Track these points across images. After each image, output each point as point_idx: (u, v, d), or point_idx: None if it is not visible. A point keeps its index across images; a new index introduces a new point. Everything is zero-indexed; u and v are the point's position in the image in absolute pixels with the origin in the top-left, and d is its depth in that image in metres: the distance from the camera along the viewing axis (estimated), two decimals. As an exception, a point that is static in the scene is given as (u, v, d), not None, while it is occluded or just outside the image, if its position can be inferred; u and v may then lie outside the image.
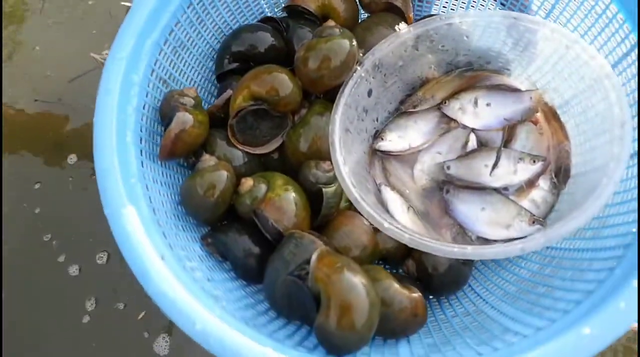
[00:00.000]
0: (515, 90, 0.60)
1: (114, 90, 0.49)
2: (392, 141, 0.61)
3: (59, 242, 0.76)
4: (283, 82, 0.55)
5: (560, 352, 0.37)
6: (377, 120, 0.62)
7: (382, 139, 0.61)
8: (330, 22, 0.56)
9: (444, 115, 0.62)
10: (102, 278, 0.73)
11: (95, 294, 0.72)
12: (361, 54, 0.57)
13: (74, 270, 0.73)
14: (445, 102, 0.62)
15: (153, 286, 0.42)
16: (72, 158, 0.79)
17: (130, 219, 0.44)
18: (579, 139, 0.56)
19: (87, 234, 0.76)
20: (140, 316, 0.72)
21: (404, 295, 0.48)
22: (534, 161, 0.55)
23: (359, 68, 0.56)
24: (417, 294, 0.49)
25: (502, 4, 0.65)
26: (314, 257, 0.44)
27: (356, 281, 0.43)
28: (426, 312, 0.50)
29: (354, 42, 0.55)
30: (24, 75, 0.88)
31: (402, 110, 0.63)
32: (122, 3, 0.85)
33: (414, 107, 0.62)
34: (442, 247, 0.46)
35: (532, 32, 0.55)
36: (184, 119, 0.52)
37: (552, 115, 0.58)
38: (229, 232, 0.52)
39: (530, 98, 0.58)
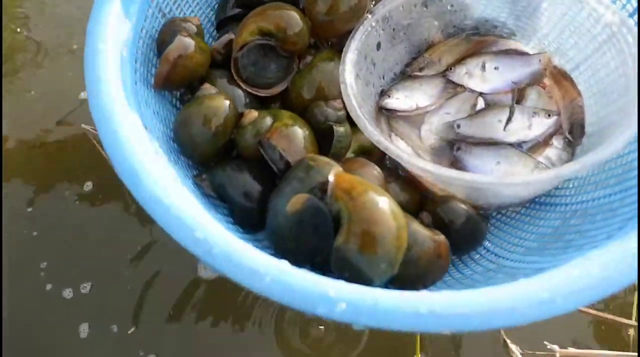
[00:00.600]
0: (523, 54, 0.59)
1: (113, -1, 0.45)
2: (399, 99, 0.58)
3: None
4: (293, 19, 0.51)
5: (621, 263, 0.33)
6: (383, 78, 0.59)
7: (389, 96, 0.58)
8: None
9: (450, 81, 0.60)
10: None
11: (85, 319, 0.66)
12: (372, 4, 0.55)
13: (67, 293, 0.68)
14: (450, 69, 0.60)
15: (144, 189, 0.35)
16: (88, 185, 0.75)
17: (121, 117, 0.38)
18: (590, 101, 0.55)
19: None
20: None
21: (427, 235, 0.43)
22: (549, 115, 0.54)
23: (370, 16, 0.54)
24: (440, 236, 0.44)
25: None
26: (332, 174, 0.39)
27: (381, 197, 0.38)
28: (449, 255, 0.45)
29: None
30: (16, 117, 0.84)
31: (408, 72, 0.61)
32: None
33: (420, 70, 0.60)
34: (470, 176, 0.42)
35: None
36: (186, 43, 0.47)
37: (561, 75, 0.57)
38: (227, 167, 0.47)
39: (539, 61, 0.57)
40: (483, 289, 0.33)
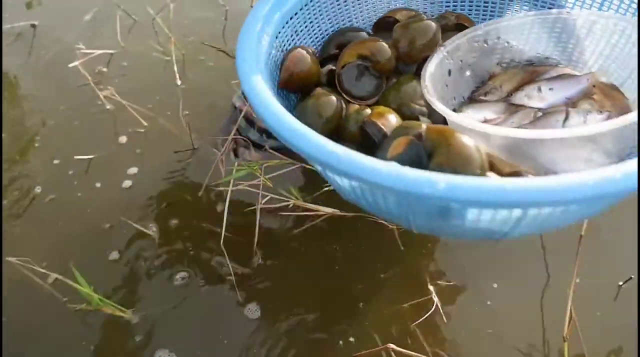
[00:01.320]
0: (573, 76, 0.71)
1: (257, 24, 0.62)
2: (469, 114, 0.70)
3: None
4: (383, 47, 0.67)
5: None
6: (455, 99, 0.72)
7: (460, 112, 0.70)
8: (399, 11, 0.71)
9: (511, 105, 0.72)
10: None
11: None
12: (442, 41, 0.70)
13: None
14: (511, 94, 0.72)
15: (315, 142, 0.47)
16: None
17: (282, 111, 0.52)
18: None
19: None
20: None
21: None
22: (601, 112, 0.63)
23: (442, 48, 0.69)
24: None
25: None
26: (424, 126, 0.50)
27: (465, 136, 0.48)
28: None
29: (439, 28, 0.69)
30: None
31: (475, 97, 0.73)
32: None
33: (485, 94, 0.73)
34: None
35: (587, 26, 0.69)
36: (302, 53, 0.64)
37: (610, 88, 0.67)
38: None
39: (588, 80, 0.68)
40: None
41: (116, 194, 0.90)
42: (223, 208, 0.80)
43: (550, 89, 0.70)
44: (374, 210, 0.55)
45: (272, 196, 0.81)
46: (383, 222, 0.80)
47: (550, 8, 0.77)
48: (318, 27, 0.77)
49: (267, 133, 0.89)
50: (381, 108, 0.60)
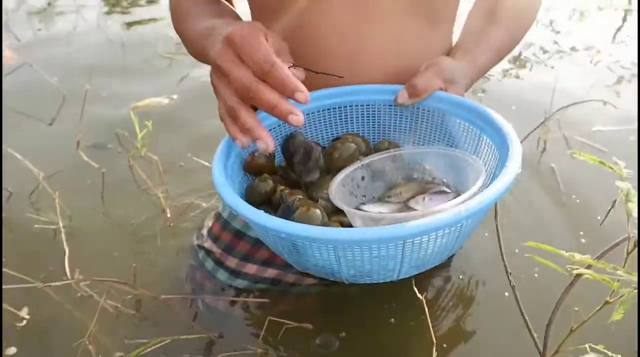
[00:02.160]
0: (446, 192, 1.02)
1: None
2: (370, 207, 1.03)
3: None
4: (318, 158, 1.05)
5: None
6: (365, 196, 1.06)
7: (364, 204, 1.03)
8: (347, 136, 1.08)
9: (406, 207, 1.04)
10: None
11: None
12: (362, 157, 1.06)
13: None
14: (408, 200, 1.05)
15: (248, 211, 0.84)
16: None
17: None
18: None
19: None
20: None
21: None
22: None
23: (359, 161, 1.05)
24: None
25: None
26: (299, 197, 0.86)
27: (317, 208, 0.83)
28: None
29: (358, 148, 1.06)
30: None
31: (382, 198, 1.06)
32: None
33: (389, 197, 1.06)
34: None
35: (466, 168, 1.02)
36: (262, 154, 1.02)
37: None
38: (268, 207, 0.95)
39: (453, 196, 1.00)
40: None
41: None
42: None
43: (430, 199, 1.02)
44: (275, 250, 0.90)
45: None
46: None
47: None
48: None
49: (237, 272, 1.08)
50: (295, 193, 0.96)
